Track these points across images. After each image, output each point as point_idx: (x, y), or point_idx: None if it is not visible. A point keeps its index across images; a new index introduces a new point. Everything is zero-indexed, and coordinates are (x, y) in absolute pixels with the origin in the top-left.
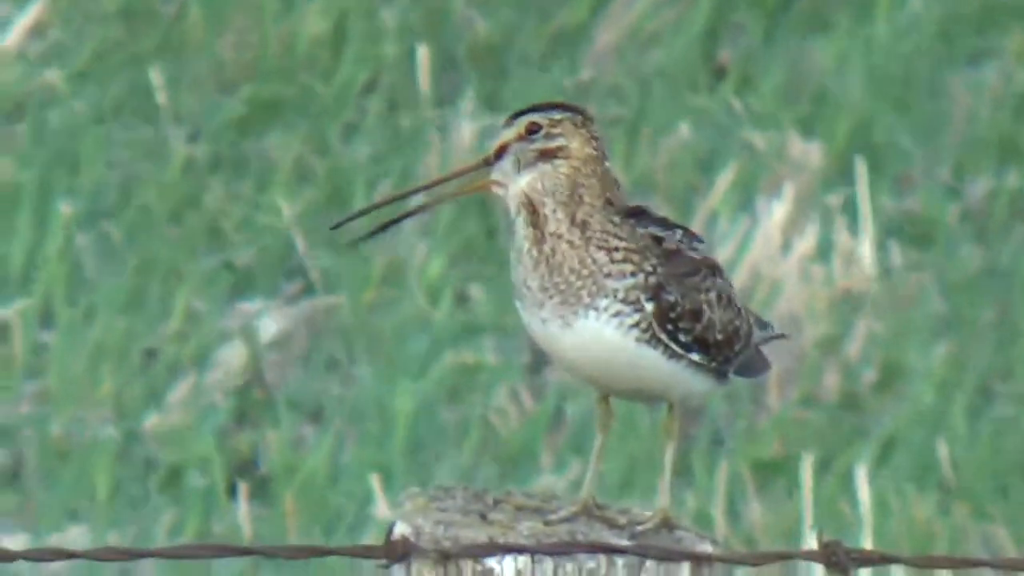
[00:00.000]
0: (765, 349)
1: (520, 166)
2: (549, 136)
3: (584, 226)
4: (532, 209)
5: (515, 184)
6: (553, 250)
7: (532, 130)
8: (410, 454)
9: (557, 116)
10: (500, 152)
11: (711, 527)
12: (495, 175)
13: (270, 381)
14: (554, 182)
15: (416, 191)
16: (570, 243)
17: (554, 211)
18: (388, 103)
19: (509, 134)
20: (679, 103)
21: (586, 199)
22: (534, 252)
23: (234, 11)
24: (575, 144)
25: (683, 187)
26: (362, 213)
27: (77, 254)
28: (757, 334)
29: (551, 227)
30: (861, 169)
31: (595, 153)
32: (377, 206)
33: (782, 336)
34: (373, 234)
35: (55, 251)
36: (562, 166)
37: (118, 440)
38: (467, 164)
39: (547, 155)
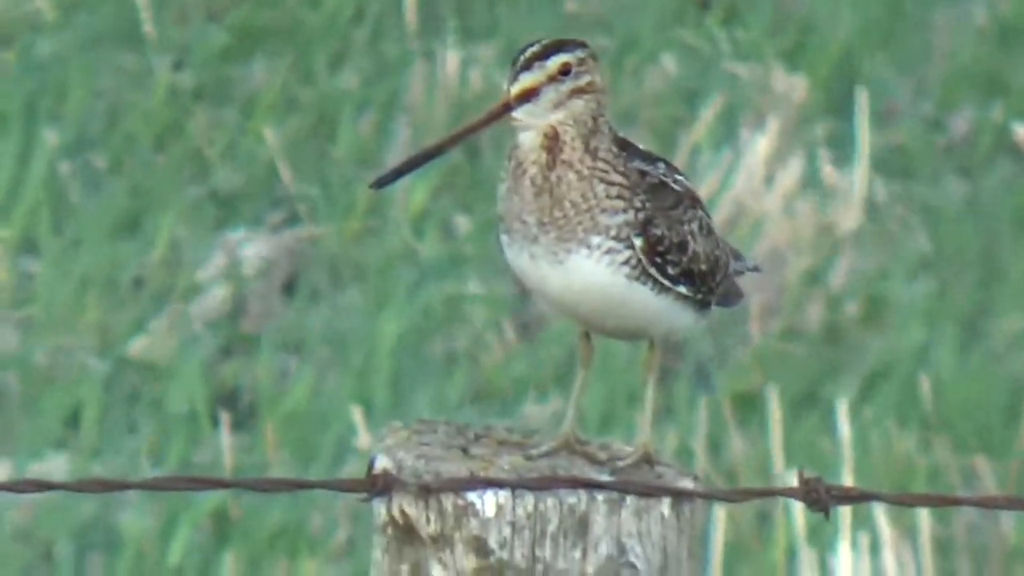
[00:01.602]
0: (743, 282)
1: (552, 105)
2: (578, 75)
3: (594, 154)
4: (554, 136)
5: (543, 120)
6: (559, 178)
7: (565, 71)
8: (393, 386)
9: (581, 54)
10: (527, 95)
11: (692, 462)
12: (520, 115)
13: (254, 311)
14: (583, 115)
15: (447, 143)
16: (578, 173)
17: (573, 139)
18: (374, 32)
19: (539, 76)
20: (664, 35)
21: (602, 128)
22: (539, 179)
23: None
24: (597, 78)
25: (667, 119)
26: (403, 171)
27: (62, 182)
28: (733, 264)
29: (565, 154)
30: (863, 101)
31: (606, 83)
32: (415, 162)
33: (756, 269)
34: (395, 177)
35: (39, 179)
36: (591, 100)
37: (102, 369)
38: (489, 111)
39: (578, 92)
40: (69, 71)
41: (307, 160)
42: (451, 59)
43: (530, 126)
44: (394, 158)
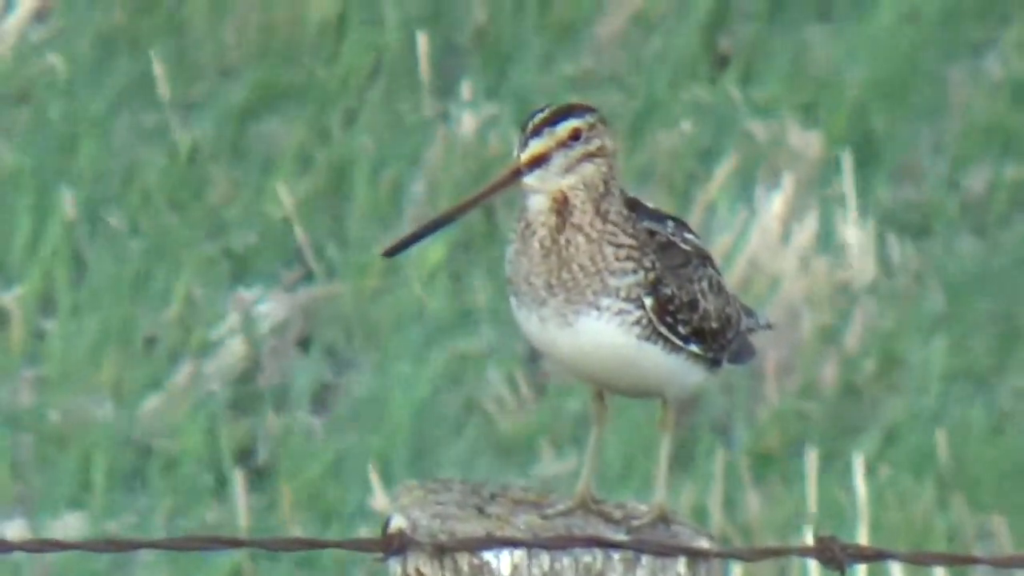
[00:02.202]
0: (757, 339)
1: (563, 170)
2: (588, 139)
3: (605, 216)
4: (563, 201)
5: (554, 185)
6: (568, 241)
7: (575, 136)
8: (409, 445)
9: (591, 119)
10: (538, 160)
11: (708, 520)
12: (531, 181)
13: (269, 369)
14: (594, 179)
15: (458, 211)
16: (587, 236)
17: (583, 202)
18: (389, 91)
19: (548, 142)
20: (680, 93)
21: (613, 191)
22: (548, 241)
23: None
24: (608, 141)
25: (683, 177)
26: (413, 240)
27: (78, 241)
28: (744, 320)
29: (575, 217)
30: (847, 163)
31: (617, 147)
32: (425, 232)
33: (769, 326)
34: (407, 246)
35: (56, 237)
36: (602, 164)
37: (117, 427)
38: (499, 178)
39: (589, 156)
40: (84, 129)
41: (322, 218)
42: (467, 118)
43: (540, 191)
44: (409, 221)
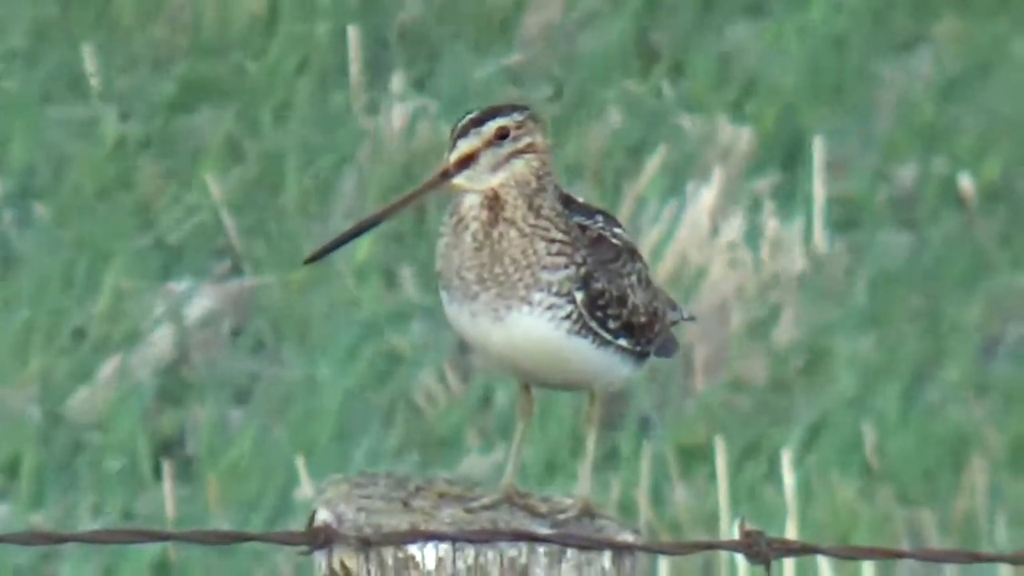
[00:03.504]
0: (685, 332)
1: (491, 168)
2: (517, 137)
3: (538, 212)
4: (495, 198)
5: (484, 184)
6: (501, 235)
7: (502, 135)
8: (336, 437)
9: (519, 117)
10: (466, 160)
11: (636, 512)
12: (460, 181)
13: (197, 361)
14: (524, 176)
15: (383, 214)
16: (520, 231)
17: (515, 198)
18: (319, 84)
19: (475, 142)
20: (610, 87)
21: (546, 186)
22: (480, 235)
23: None
24: (539, 138)
25: (613, 171)
26: (336, 245)
27: (5, 232)
28: (670, 314)
29: (508, 213)
30: (819, 150)
31: (550, 143)
32: (349, 236)
33: (691, 319)
34: (328, 251)
35: None
36: (533, 160)
37: (43, 419)
38: (427, 181)
39: (517, 154)
40: (14, 121)
41: (252, 211)
42: (397, 111)
43: (471, 190)
44: (338, 214)
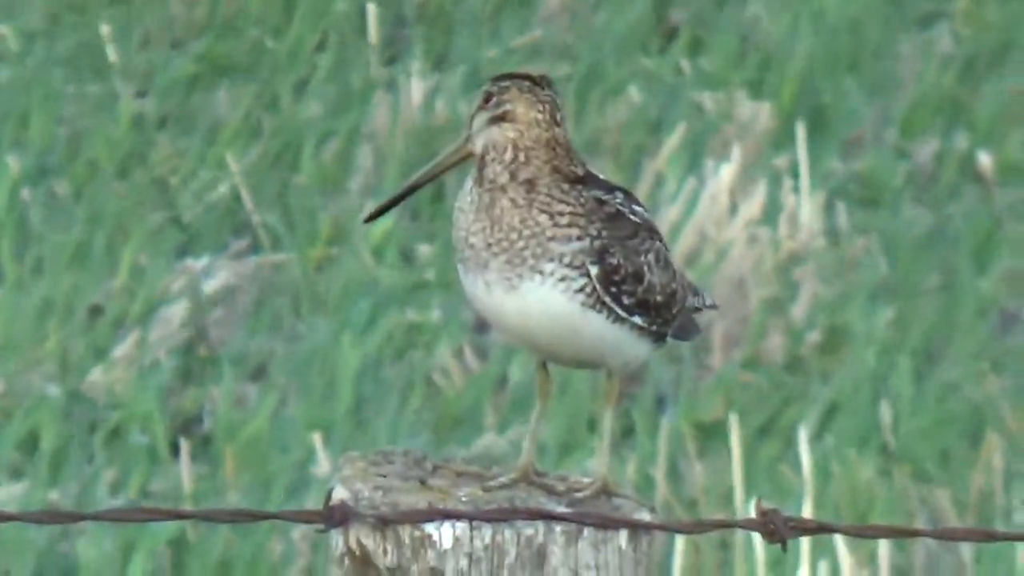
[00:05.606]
0: (705, 311)
1: (478, 132)
2: (498, 104)
3: (530, 186)
4: (481, 162)
5: (476, 147)
6: (493, 200)
7: (487, 99)
8: (353, 413)
9: (505, 84)
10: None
11: (653, 490)
12: (468, 145)
13: (215, 338)
14: (498, 143)
15: (429, 178)
16: (512, 201)
17: (493, 161)
18: (338, 60)
19: (472, 107)
20: (629, 64)
21: (533, 162)
22: (475, 198)
23: None
24: (520, 109)
25: (632, 148)
26: (392, 204)
27: (24, 209)
28: (689, 298)
29: (490, 175)
30: (802, 132)
31: (540, 117)
32: (402, 196)
33: (713, 306)
34: (387, 209)
35: (1, 207)
36: (508, 129)
37: (61, 396)
38: (456, 144)
39: (495, 120)
40: (32, 98)
41: (270, 188)
42: (415, 87)
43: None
44: (356, 190)
